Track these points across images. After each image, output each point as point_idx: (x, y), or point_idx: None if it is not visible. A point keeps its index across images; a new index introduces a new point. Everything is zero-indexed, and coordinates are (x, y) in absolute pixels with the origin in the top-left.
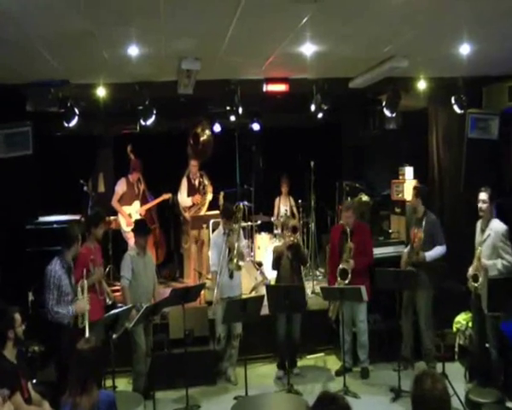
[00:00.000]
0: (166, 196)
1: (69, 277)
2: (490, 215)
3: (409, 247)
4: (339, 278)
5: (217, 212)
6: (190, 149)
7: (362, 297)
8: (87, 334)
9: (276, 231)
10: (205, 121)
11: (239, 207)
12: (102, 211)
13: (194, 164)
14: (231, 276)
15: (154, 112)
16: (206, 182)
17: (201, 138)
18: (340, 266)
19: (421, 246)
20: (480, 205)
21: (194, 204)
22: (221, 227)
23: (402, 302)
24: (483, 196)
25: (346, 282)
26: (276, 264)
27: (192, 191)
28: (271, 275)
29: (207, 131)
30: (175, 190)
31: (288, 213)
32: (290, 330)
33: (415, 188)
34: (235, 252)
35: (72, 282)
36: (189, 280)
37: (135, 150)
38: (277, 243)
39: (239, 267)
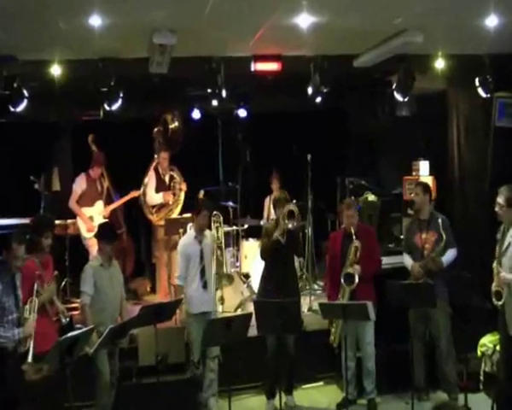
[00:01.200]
0: (135, 193)
1: (13, 292)
2: (509, 222)
3: (410, 256)
4: (343, 283)
5: None
6: (159, 138)
7: (368, 316)
8: (30, 358)
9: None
10: (177, 109)
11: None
12: (49, 216)
13: (164, 156)
14: (205, 286)
15: (121, 95)
16: (178, 178)
17: (171, 126)
18: (344, 270)
19: (436, 252)
20: (496, 209)
21: (165, 204)
22: (192, 230)
23: (410, 320)
24: (499, 198)
25: (353, 287)
26: (267, 251)
27: (162, 188)
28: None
29: (178, 119)
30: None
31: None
32: (283, 346)
33: (420, 184)
34: (221, 273)
35: (18, 298)
36: (163, 295)
37: (97, 141)
38: None
39: (229, 280)
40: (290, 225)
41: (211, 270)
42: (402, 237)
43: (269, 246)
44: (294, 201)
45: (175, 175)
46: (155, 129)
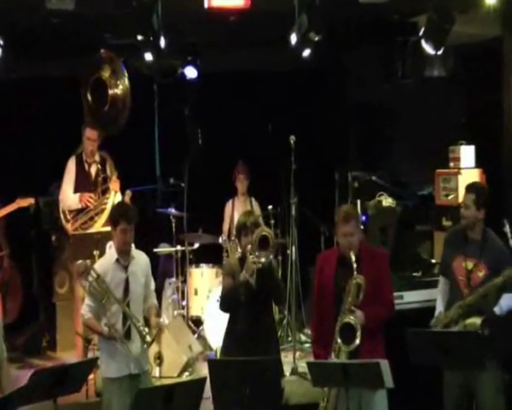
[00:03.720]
0: (24, 202)
1: None
2: None
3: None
4: (339, 341)
5: None
6: (87, 110)
7: (382, 381)
8: None
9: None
10: (115, 57)
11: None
12: None
13: (91, 136)
14: (129, 335)
15: (1, 43)
16: (110, 171)
17: (112, 91)
18: (341, 319)
19: (486, 289)
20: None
21: (84, 208)
22: (112, 250)
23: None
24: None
25: (354, 346)
26: (228, 299)
27: (83, 185)
28: (217, 334)
29: (123, 79)
30: (41, 190)
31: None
32: None
33: (473, 190)
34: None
35: None
36: (69, 353)
37: None
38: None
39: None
40: (263, 260)
41: (140, 310)
42: (433, 261)
43: (232, 292)
44: (270, 207)
45: (107, 167)
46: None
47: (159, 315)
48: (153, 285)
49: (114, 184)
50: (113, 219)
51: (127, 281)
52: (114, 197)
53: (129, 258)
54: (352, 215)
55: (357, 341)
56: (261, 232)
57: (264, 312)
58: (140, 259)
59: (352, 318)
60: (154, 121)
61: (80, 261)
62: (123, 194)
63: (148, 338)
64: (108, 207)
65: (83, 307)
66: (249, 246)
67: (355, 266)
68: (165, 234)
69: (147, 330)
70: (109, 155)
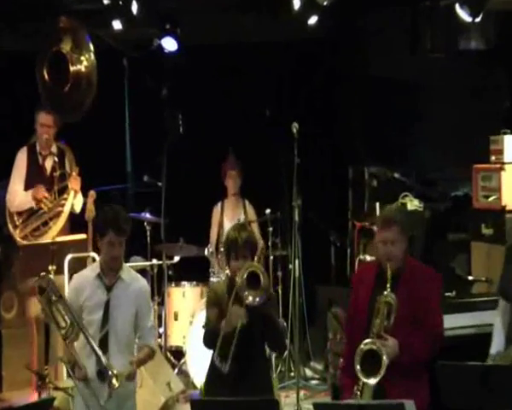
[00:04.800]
0: None
1: None
2: None
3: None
4: (359, 372)
5: (83, 236)
6: (43, 90)
7: None
8: None
9: (214, 278)
10: (79, 25)
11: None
12: None
13: (46, 122)
14: (103, 374)
15: None
16: (69, 166)
17: (74, 67)
18: (364, 344)
19: None
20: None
21: (37, 210)
22: (95, 264)
23: None
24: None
25: (376, 380)
26: (212, 338)
27: (37, 181)
28: (202, 369)
29: (88, 54)
30: None
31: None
32: None
33: None
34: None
35: None
36: (18, 392)
37: None
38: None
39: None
40: (251, 299)
41: (123, 348)
42: (471, 278)
43: (218, 330)
44: (268, 211)
45: (66, 161)
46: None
47: (148, 359)
48: (150, 322)
49: (74, 182)
50: (100, 228)
51: (107, 305)
52: (74, 199)
53: (115, 278)
54: (395, 219)
55: (381, 373)
56: (249, 268)
57: (257, 348)
58: (133, 284)
59: (378, 344)
60: (124, 105)
61: (37, 278)
62: (85, 195)
63: (115, 382)
64: (66, 210)
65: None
66: (238, 280)
67: (389, 283)
68: (138, 245)
69: (115, 371)
70: (69, 146)
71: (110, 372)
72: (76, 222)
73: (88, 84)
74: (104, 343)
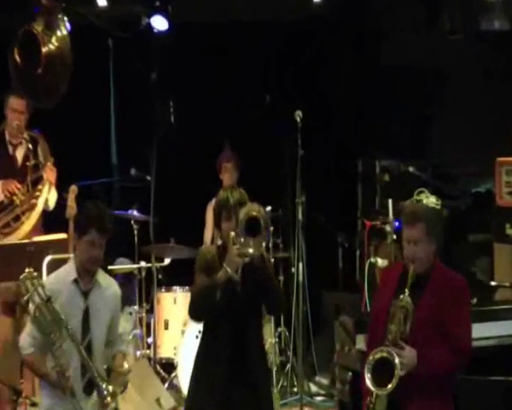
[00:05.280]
0: None
1: None
2: None
3: None
4: (369, 382)
5: (63, 236)
6: (14, 73)
7: None
8: None
9: None
10: (56, 5)
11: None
12: None
13: (17, 107)
14: (89, 390)
15: None
16: (43, 156)
17: (46, 48)
18: (375, 352)
19: None
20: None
21: (8, 204)
22: (69, 267)
23: None
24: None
25: (385, 391)
26: (202, 304)
27: (7, 172)
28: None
29: (59, 31)
30: None
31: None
32: None
33: None
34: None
35: None
36: None
37: None
38: None
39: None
40: (252, 250)
41: (101, 357)
42: (493, 283)
43: (208, 295)
44: (268, 209)
45: (39, 150)
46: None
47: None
48: (121, 328)
49: (50, 173)
50: (80, 226)
51: (87, 313)
52: (49, 192)
53: (91, 283)
54: (421, 216)
55: (391, 385)
56: (249, 213)
57: (252, 328)
58: (108, 289)
59: (392, 352)
60: (109, 90)
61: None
62: (65, 190)
63: (109, 400)
64: (40, 202)
65: (22, 338)
66: (232, 233)
67: (407, 287)
68: (125, 245)
69: (110, 388)
70: (42, 135)
71: (105, 390)
72: (51, 220)
73: (62, 65)
74: (88, 356)
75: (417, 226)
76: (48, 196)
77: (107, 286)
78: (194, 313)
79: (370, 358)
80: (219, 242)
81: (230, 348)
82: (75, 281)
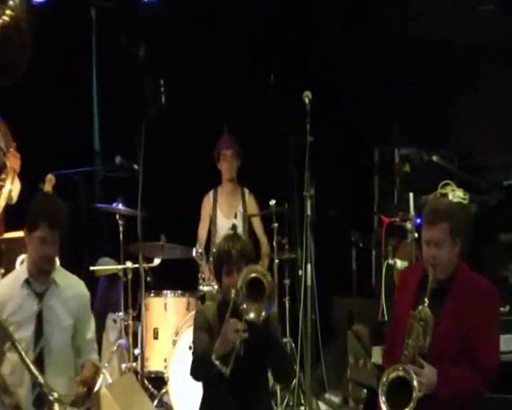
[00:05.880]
0: None
1: None
2: None
3: None
4: (384, 404)
5: None
6: None
7: None
8: None
9: (204, 287)
10: None
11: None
12: None
13: None
14: (39, 405)
15: None
16: (5, 141)
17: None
18: (390, 371)
19: None
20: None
21: None
22: (22, 267)
23: None
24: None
25: None
26: (202, 367)
27: None
28: (188, 400)
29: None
30: None
31: (241, 233)
32: None
33: None
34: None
35: None
36: None
37: None
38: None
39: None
40: (252, 316)
41: (62, 367)
42: None
43: (207, 362)
44: (273, 203)
45: None
46: None
47: (96, 377)
48: (91, 334)
49: (13, 160)
50: (29, 221)
51: (40, 317)
52: (13, 181)
53: (47, 283)
54: (444, 214)
55: (411, 407)
56: (250, 274)
57: (258, 383)
58: (69, 289)
59: (410, 371)
60: (91, 67)
61: None
62: (42, 180)
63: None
64: (5, 192)
65: None
66: (233, 291)
67: (428, 294)
68: (108, 243)
69: (56, 394)
70: (19, 122)
71: (51, 397)
72: (14, 214)
73: (17, 35)
74: (39, 365)
75: (439, 226)
76: (12, 185)
77: (68, 286)
78: (196, 378)
79: (384, 379)
80: (219, 297)
81: (235, 405)
82: (26, 282)
